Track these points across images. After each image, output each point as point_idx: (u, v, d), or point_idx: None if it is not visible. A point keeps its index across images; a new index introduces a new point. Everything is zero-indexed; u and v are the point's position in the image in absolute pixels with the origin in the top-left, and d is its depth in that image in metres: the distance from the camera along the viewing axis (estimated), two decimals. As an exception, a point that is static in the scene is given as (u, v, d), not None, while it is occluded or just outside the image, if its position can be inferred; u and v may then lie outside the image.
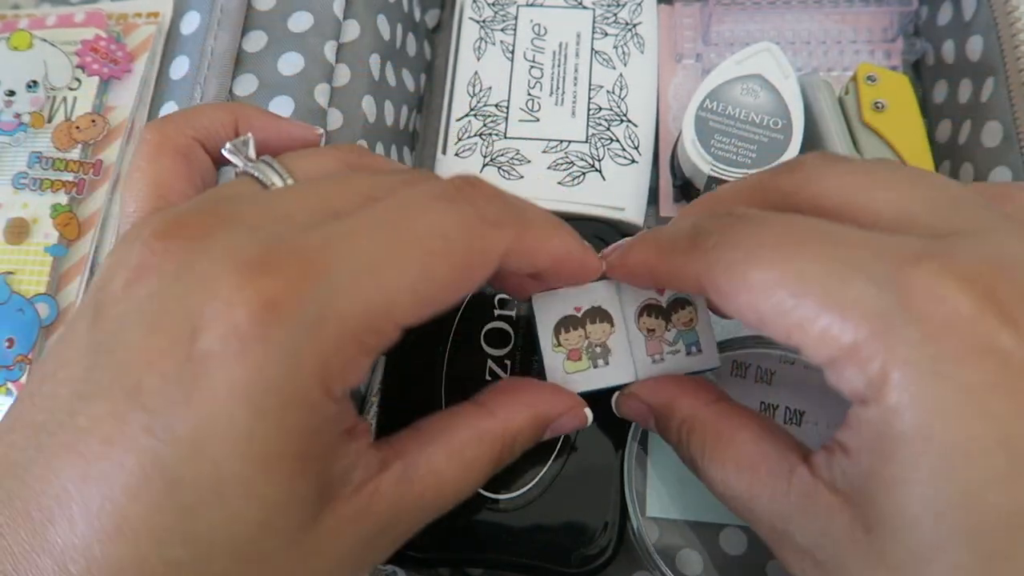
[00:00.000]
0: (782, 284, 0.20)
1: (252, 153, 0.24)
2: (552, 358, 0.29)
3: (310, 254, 0.19)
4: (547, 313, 0.29)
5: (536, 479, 0.32)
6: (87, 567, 0.17)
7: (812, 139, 0.35)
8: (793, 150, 0.34)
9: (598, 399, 0.31)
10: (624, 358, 0.29)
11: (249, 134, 0.25)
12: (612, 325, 0.29)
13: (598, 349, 0.29)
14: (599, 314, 0.29)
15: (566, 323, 0.29)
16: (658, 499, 0.33)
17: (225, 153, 0.24)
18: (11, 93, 0.34)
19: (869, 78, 0.35)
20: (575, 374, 0.29)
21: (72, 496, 0.17)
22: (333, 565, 0.20)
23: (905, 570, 0.18)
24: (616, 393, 0.29)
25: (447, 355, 0.33)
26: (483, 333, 0.33)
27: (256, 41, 0.33)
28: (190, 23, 0.34)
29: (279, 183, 0.22)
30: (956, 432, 0.18)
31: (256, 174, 0.23)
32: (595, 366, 0.29)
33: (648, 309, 0.29)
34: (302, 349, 0.18)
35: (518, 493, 0.31)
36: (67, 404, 0.18)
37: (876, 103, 0.35)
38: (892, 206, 0.21)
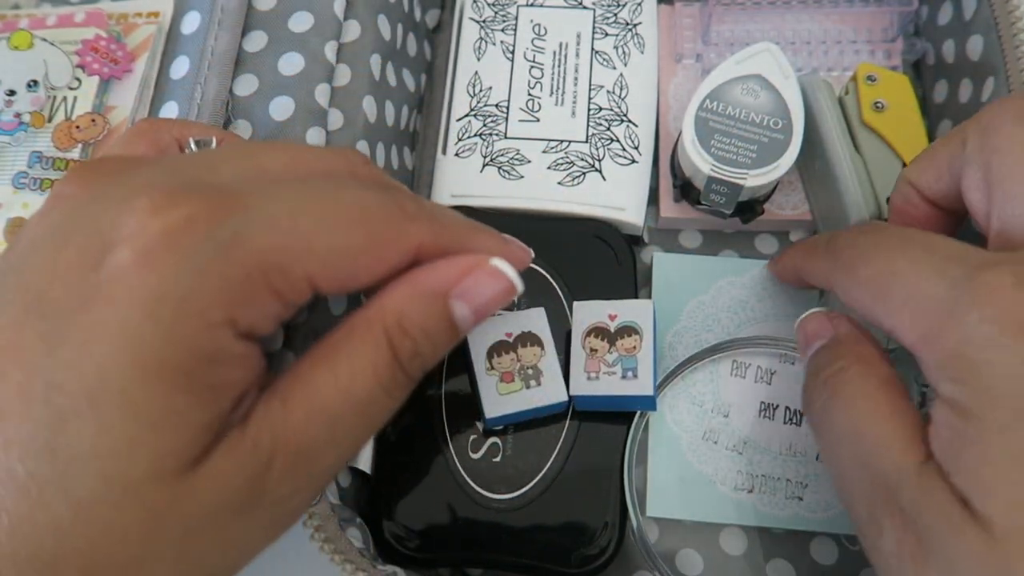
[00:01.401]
0: (879, 279, 0.24)
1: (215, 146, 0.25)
2: (485, 380, 0.31)
3: (232, 190, 0.19)
4: (479, 338, 0.31)
5: (536, 479, 0.32)
6: None
7: (812, 139, 0.35)
8: (793, 151, 0.33)
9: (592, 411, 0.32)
10: (555, 379, 0.31)
11: (213, 138, 0.25)
12: (543, 349, 0.31)
13: (530, 371, 0.31)
14: (530, 338, 0.31)
15: (498, 347, 0.31)
16: (658, 499, 0.33)
17: (187, 149, 0.25)
18: (11, 93, 0.34)
19: (869, 78, 0.35)
20: (509, 395, 0.30)
21: None
22: (214, 508, 0.18)
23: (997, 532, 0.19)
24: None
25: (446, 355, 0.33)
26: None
27: (256, 41, 0.33)
28: (190, 23, 0.34)
29: None
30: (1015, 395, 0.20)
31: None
32: (528, 387, 0.31)
33: (596, 331, 0.31)
34: (209, 266, 0.18)
35: (518, 493, 0.31)
36: None
37: (876, 103, 0.35)
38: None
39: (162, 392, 0.17)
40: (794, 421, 0.34)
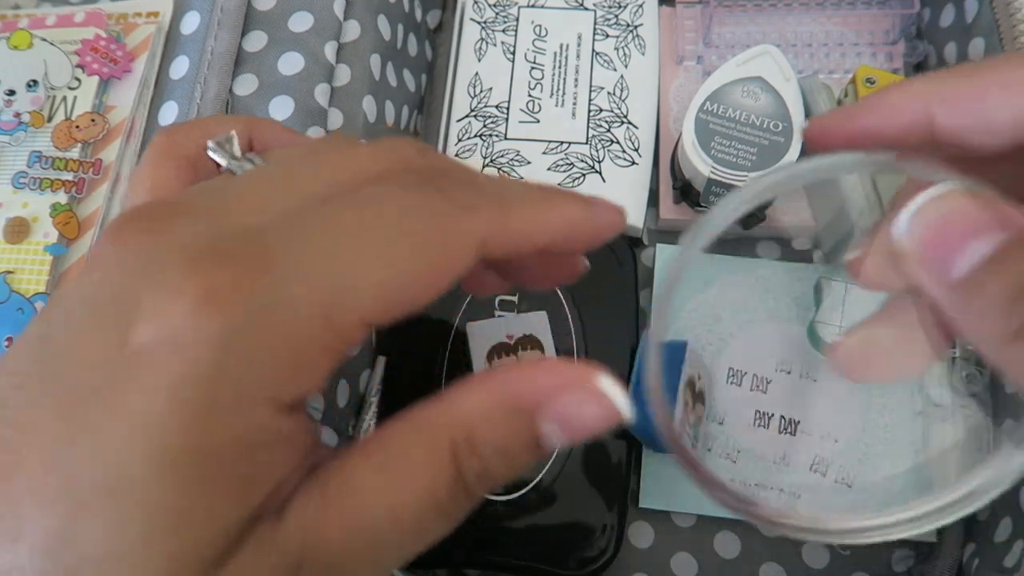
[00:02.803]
0: None
1: (236, 151, 0.22)
2: None
3: (264, 242, 0.17)
4: (480, 339, 0.31)
5: (536, 481, 0.32)
6: None
7: (812, 142, 0.35)
8: (793, 153, 0.33)
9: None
10: None
11: (233, 132, 0.23)
12: (543, 352, 0.31)
13: None
14: (531, 341, 0.31)
15: (499, 349, 0.31)
16: (650, 492, 0.33)
17: (208, 151, 0.22)
18: (11, 92, 0.34)
19: (868, 80, 0.35)
20: None
21: None
22: None
23: None
24: None
25: (447, 356, 0.33)
26: (482, 334, 0.33)
27: (256, 41, 0.33)
28: (190, 23, 0.34)
29: None
30: None
31: (236, 170, 0.21)
32: None
33: None
34: (246, 341, 0.16)
35: (517, 495, 0.31)
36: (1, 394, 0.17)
37: (876, 106, 0.35)
38: None
39: (182, 488, 0.16)
40: (788, 431, 0.34)
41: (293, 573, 0.17)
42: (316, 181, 0.19)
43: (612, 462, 0.32)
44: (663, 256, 0.37)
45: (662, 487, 0.34)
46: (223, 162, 0.22)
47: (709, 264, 0.37)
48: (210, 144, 0.22)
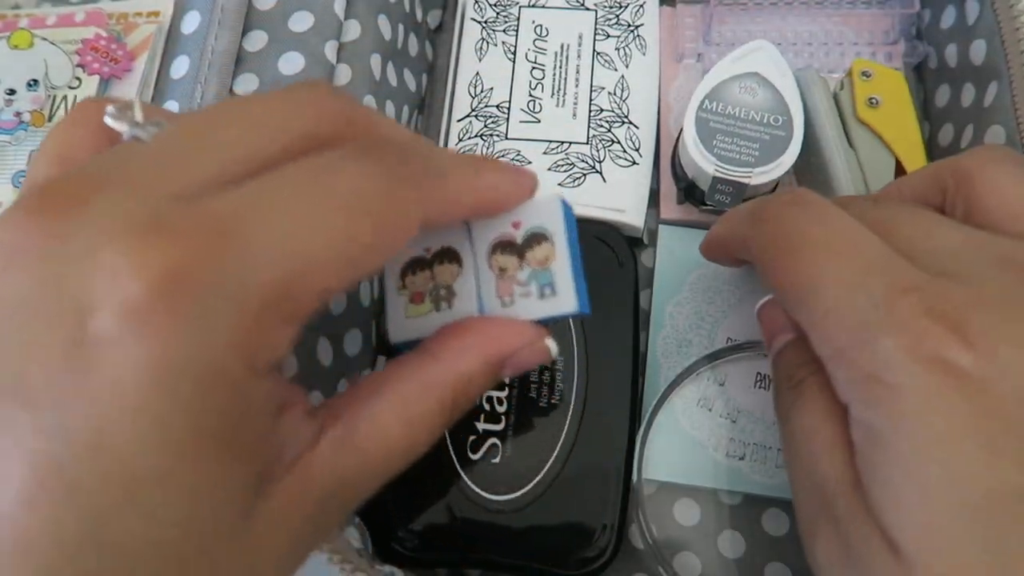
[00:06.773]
0: (802, 280, 0.23)
1: (139, 116, 0.21)
2: (394, 301, 0.27)
3: (216, 216, 0.17)
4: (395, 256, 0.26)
5: (535, 480, 0.31)
6: None
7: (807, 135, 0.35)
8: (795, 147, 0.33)
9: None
10: (469, 302, 0.26)
11: (136, 99, 0.21)
12: (460, 266, 0.26)
13: (443, 291, 0.26)
14: (448, 255, 0.26)
15: (415, 265, 0.26)
16: (651, 462, 0.34)
17: (107, 118, 0.20)
18: (11, 92, 0.34)
19: (864, 74, 0.35)
20: (415, 318, 0.26)
21: None
22: (278, 553, 0.18)
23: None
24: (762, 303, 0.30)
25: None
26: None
27: (257, 41, 0.33)
28: (191, 22, 0.34)
29: None
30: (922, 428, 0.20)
31: (142, 135, 0.20)
32: (437, 309, 0.26)
33: (501, 246, 0.26)
34: (218, 321, 0.16)
35: (517, 494, 0.31)
36: None
37: (870, 99, 0.35)
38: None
39: (207, 467, 0.16)
40: None
41: (321, 511, 0.19)
42: (237, 143, 0.19)
43: (614, 461, 0.32)
44: (664, 236, 0.38)
45: (664, 459, 0.34)
46: (124, 129, 0.21)
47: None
48: (109, 110, 0.21)
